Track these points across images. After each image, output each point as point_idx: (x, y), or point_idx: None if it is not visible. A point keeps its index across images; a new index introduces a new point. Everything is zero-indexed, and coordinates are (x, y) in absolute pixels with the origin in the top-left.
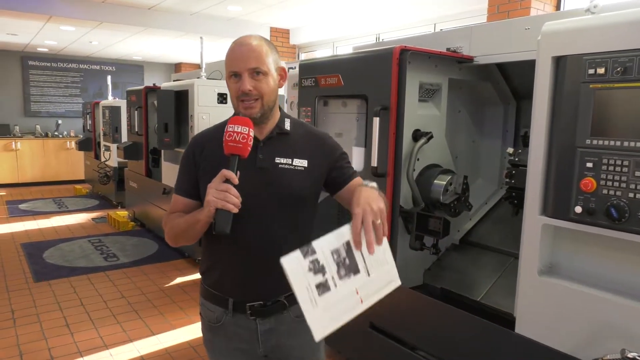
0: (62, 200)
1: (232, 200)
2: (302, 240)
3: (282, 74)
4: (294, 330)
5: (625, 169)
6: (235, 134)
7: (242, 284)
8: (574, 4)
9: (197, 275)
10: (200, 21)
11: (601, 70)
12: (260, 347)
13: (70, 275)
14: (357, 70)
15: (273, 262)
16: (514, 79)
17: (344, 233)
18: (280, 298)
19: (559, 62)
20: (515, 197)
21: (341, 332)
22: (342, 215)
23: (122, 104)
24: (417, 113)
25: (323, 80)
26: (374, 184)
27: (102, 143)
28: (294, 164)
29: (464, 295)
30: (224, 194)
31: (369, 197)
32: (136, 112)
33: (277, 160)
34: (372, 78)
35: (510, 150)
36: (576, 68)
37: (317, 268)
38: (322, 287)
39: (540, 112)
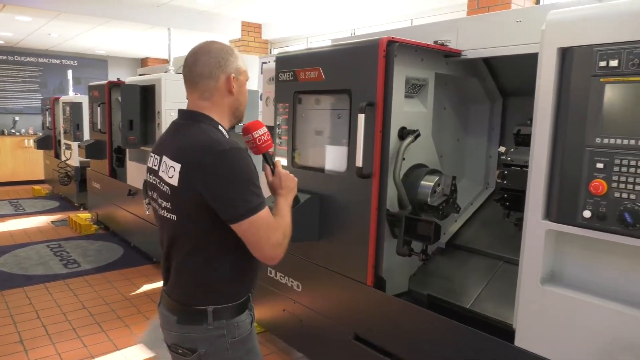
0: (19, 202)
1: None
2: None
3: None
4: None
5: None
6: (263, 135)
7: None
8: None
9: None
10: (169, 13)
11: (614, 63)
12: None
13: (25, 285)
14: (340, 63)
15: None
16: (500, 74)
17: None
18: None
19: (566, 54)
20: (507, 198)
21: (324, 344)
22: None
23: (84, 99)
24: (403, 110)
25: (302, 74)
26: None
27: (63, 141)
28: None
29: (452, 302)
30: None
31: None
32: (99, 108)
33: None
34: (356, 72)
35: (503, 149)
36: (585, 60)
37: None
38: None
39: (544, 108)
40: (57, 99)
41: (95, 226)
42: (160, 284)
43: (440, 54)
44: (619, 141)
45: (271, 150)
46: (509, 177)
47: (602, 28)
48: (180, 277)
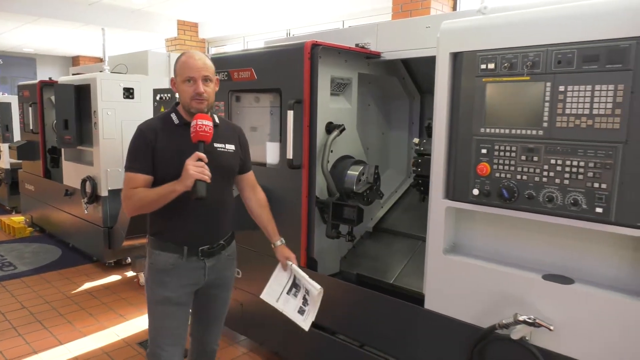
0: None
1: (207, 174)
2: (231, 199)
3: (217, 82)
4: (226, 265)
5: (513, 154)
6: (204, 126)
7: (196, 234)
8: (469, 5)
9: (107, 280)
10: (101, 11)
11: (491, 66)
12: (205, 279)
13: None
14: (270, 64)
15: (217, 216)
16: (417, 74)
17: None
18: (221, 241)
19: (456, 58)
20: (421, 184)
21: (264, 326)
22: None
23: (13, 99)
24: (330, 106)
25: (236, 74)
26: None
27: None
28: (226, 148)
29: (378, 279)
30: (202, 169)
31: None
32: (30, 108)
33: (215, 145)
34: (285, 72)
35: (416, 140)
36: (471, 63)
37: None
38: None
39: (441, 104)
40: None
41: (30, 229)
42: (101, 281)
43: (361, 56)
44: (498, 130)
45: (206, 142)
46: (421, 164)
47: (483, 37)
48: None
